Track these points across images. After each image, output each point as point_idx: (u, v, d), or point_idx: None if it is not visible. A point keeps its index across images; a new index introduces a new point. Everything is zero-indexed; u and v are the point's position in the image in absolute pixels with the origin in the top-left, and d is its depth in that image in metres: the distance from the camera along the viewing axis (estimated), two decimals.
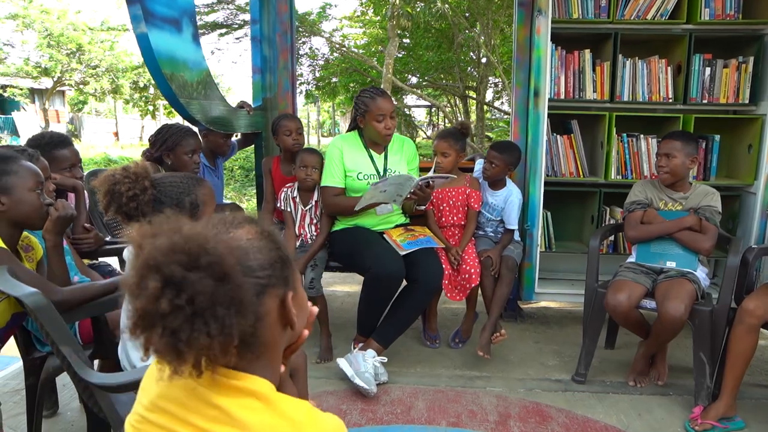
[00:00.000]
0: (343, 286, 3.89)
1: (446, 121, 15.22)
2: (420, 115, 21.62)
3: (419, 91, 13.74)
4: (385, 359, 2.43)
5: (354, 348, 2.52)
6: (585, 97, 2.97)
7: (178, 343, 0.66)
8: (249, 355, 0.74)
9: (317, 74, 13.50)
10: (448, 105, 14.88)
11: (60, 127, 19.36)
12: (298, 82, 13.71)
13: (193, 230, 0.70)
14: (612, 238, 3.11)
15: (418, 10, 10.03)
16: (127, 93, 19.50)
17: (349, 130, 2.72)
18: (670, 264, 2.35)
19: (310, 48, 12.82)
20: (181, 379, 0.73)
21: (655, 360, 2.43)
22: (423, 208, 2.64)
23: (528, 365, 2.63)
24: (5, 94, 17.00)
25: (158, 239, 0.68)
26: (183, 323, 0.65)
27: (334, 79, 13.15)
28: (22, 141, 14.86)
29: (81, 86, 18.73)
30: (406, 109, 16.22)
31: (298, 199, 2.74)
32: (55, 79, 18.23)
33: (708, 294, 2.35)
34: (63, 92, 20.86)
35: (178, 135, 2.40)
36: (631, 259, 2.49)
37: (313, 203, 2.73)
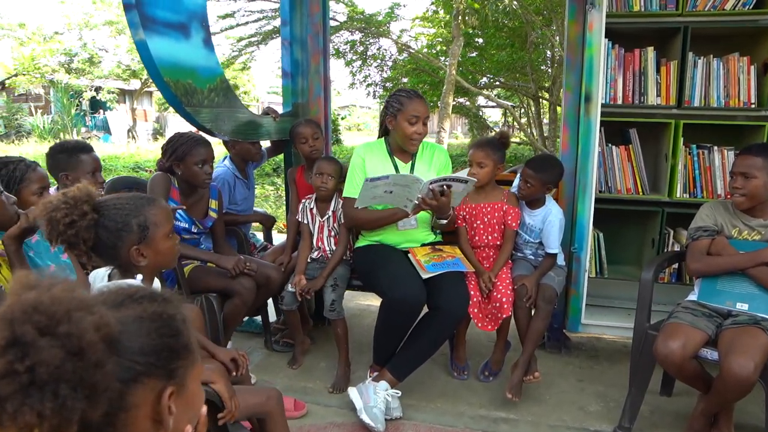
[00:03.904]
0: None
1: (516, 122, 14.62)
2: (495, 115, 20.94)
3: (486, 92, 13.27)
4: (399, 393, 2.21)
5: (369, 377, 2.32)
6: (647, 103, 2.59)
7: (2, 414, 0.56)
8: None
9: (385, 75, 13.39)
10: (521, 106, 14.28)
11: (147, 126, 20.62)
12: (366, 84, 13.76)
13: (68, 294, 0.63)
14: (676, 265, 2.69)
15: (485, 6, 9.61)
16: None
17: (379, 137, 2.53)
18: (741, 306, 1.94)
19: (378, 49, 12.73)
20: None
21: (719, 419, 2.02)
22: (444, 222, 2.37)
23: (564, 409, 2.30)
24: (98, 96, 18.29)
25: (29, 293, 0.62)
26: (14, 392, 0.56)
27: (404, 80, 12.98)
28: (114, 139, 15.97)
29: None
30: (479, 111, 15.77)
31: (315, 211, 2.59)
32: (143, 81, 19.40)
33: None
34: (150, 93, 22.18)
35: (188, 144, 2.30)
36: (692, 296, 2.09)
37: (330, 213, 2.57)
